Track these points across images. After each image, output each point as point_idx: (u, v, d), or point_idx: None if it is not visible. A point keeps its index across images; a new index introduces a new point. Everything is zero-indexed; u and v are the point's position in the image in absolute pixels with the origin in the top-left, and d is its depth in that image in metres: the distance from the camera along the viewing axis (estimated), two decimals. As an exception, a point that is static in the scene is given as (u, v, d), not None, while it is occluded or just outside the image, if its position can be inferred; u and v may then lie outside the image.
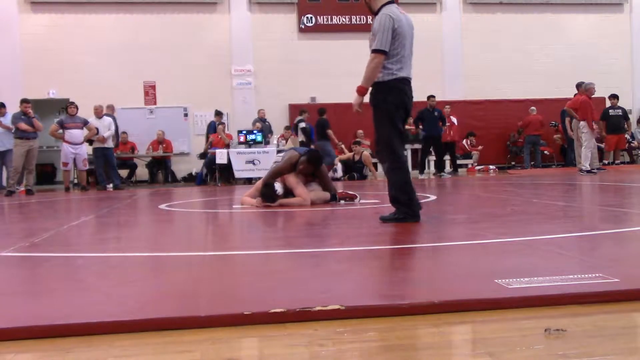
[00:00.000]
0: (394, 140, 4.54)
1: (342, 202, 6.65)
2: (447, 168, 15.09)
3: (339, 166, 14.23)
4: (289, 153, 6.95)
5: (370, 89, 4.58)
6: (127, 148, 15.33)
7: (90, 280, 2.79)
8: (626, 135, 16.38)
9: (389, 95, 4.50)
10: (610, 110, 15.17)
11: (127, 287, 2.57)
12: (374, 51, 4.45)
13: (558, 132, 16.89)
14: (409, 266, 2.89)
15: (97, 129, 12.94)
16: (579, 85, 13.33)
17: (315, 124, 14.66)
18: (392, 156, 4.56)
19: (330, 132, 14.37)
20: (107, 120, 13.25)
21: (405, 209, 4.53)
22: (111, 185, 13.13)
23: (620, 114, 15.27)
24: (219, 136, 14.68)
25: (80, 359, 1.70)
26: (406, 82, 4.59)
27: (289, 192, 6.57)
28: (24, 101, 11.93)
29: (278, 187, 6.49)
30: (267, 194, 6.46)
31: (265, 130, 15.14)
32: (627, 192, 8.00)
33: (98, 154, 13.05)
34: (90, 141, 13.13)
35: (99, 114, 13.20)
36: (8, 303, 2.31)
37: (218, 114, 15.07)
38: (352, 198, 6.77)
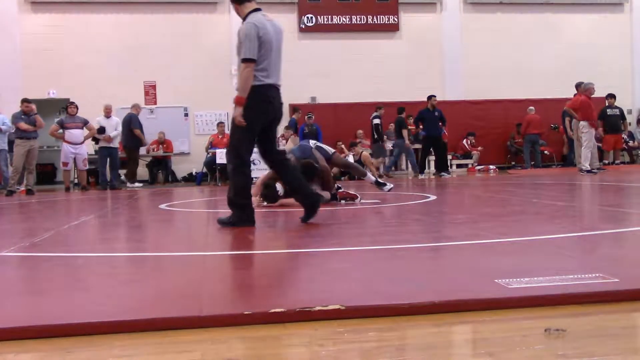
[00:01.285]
0: (243, 145, 4.57)
1: (343, 202, 6.65)
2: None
3: (350, 157, 14.25)
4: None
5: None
6: (127, 148, 15.36)
7: (90, 280, 2.79)
8: (623, 135, 16.36)
9: (252, 100, 4.51)
10: (607, 110, 15.13)
11: (127, 287, 2.57)
12: (244, 60, 4.48)
13: (559, 132, 16.86)
14: (409, 266, 2.89)
15: (104, 128, 13.01)
16: (578, 85, 13.32)
17: (395, 122, 15.06)
18: (238, 160, 4.59)
19: (405, 132, 14.80)
20: (115, 120, 13.37)
21: (240, 212, 4.57)
22: (136, 184, 13.38)
23: (618, 113, 15.22)
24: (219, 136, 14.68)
25: (80, 359, 1.70)
26: (273, 88, 4.62)
27: (289, 193, 6.57)
28: (24, 101, 11.95)
29: (279, 187, 6.50)
30: (269, 195, 6.49)
31: None
32: (627, 192, 8.00)
33: (103, 154, 13.14)
34: (96, 140, 13.24)
35: (107, 113, 13.30)
36: (8, 303, 2.31)
37: (296, 110, 15.11)
38: (352, 198, 6.77)
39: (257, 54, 4.46)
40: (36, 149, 12.05)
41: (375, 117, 14.79)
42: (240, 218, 4.56)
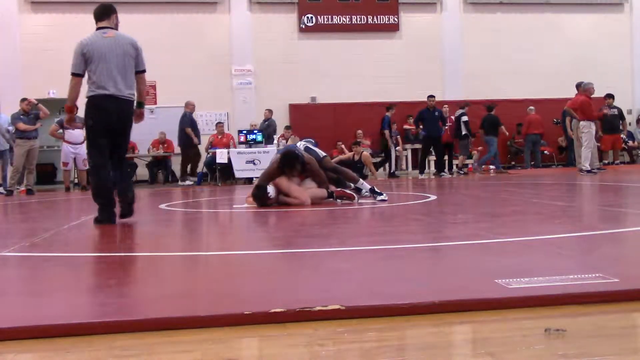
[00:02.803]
0: (91, 149, 5.17)
1: (339, 201, 6.57)
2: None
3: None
4: (276, 156, 6.91)
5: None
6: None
7: (90, 280, 2.79)
8: (622, 135, 16.33)
9: (89, 109, 5.11)
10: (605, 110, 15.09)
11: (127, 287, 2.58)
12: (71, 74, 5.06)
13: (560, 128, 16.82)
14: (409, 266, 2.89)
15: None
16: (578, 85, 13.30)
17: (483, 119, 15.29)
18: (90, 162, 5.27)
19: (502, 127, 15.11)
20: None
21: (99, 211, 5.06)
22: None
23: (616, 113, 15.17)
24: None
25: (80, 359, 1.70)
26: (110, 98, 5.04)
27: (281, 194, 6.51)
28: (24, 100, 11.94)
29: (271, 190, 6.42)
30: (258, 196, 6.39)
31: (263, 130, 15.19)
32: (627, 192, 8.00)
33: None
34: None
35: None
36: (8, 303, 2.31)
37: (390, 108, 15.11)
38: (349, 197, 6.69)
39: (87, 68, 4.99)
40: (36, 149, 12.05)
41: (462, 114, 14.97)
42: (101, 217, 5.02)
